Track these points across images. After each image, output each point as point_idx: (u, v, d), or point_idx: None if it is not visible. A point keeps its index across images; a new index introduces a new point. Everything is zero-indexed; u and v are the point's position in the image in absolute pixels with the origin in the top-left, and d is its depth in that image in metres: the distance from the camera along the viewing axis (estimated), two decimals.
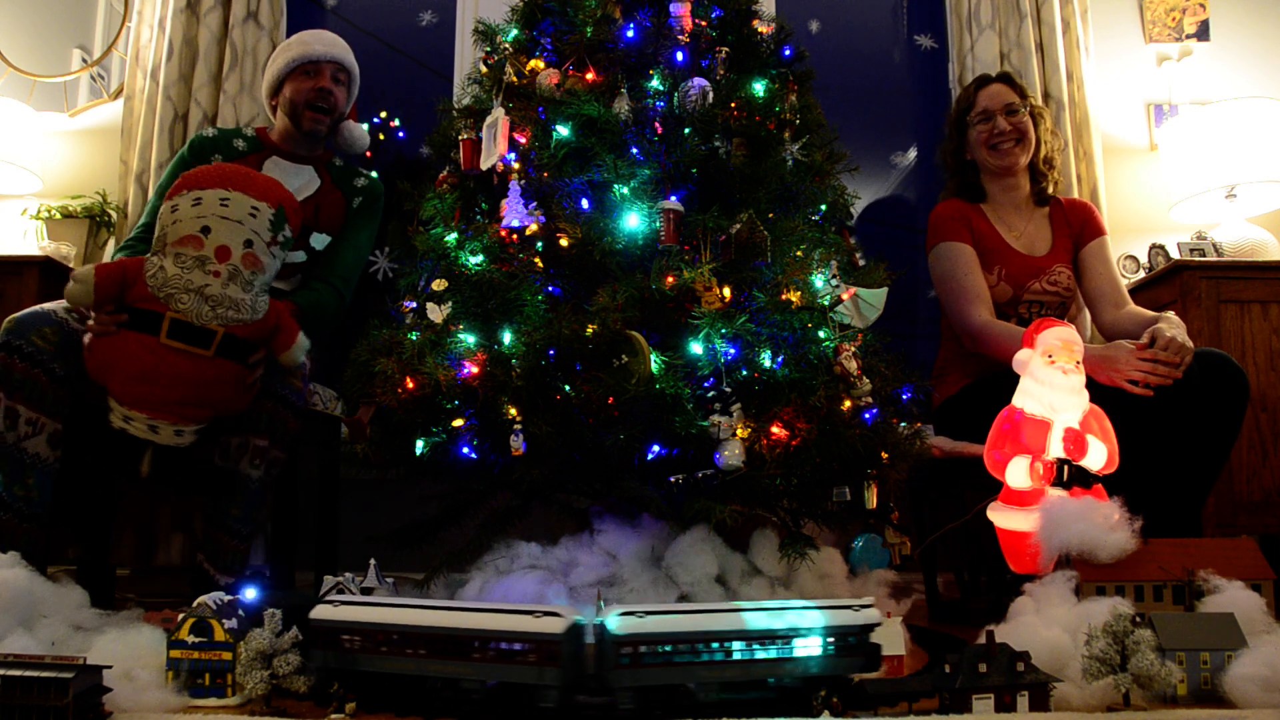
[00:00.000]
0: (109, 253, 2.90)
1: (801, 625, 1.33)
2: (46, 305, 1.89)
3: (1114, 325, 2.36)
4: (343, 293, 2.33)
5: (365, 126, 2.52)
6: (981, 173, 2.51)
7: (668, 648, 1.30)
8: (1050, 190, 2.53)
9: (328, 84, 2.35)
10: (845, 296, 1.77)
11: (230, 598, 1.48)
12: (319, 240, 2.34)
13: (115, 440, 1.84)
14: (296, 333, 1.90)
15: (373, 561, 1.83)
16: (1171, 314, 2.18)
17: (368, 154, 2.68)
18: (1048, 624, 1.47)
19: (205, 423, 1.85)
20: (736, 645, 1.32)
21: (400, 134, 3.10)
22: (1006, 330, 2.24)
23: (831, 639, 1.34)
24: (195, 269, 1.76)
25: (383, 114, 3.11)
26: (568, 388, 1.68)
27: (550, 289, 1.80)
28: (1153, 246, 2.88)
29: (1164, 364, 1.99)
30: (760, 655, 1.32)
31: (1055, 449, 1.75)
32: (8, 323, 1.89)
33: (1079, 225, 2.49)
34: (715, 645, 1.31)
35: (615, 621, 1.30)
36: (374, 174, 2.49)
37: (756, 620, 1.34)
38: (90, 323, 1.81)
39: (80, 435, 1.91)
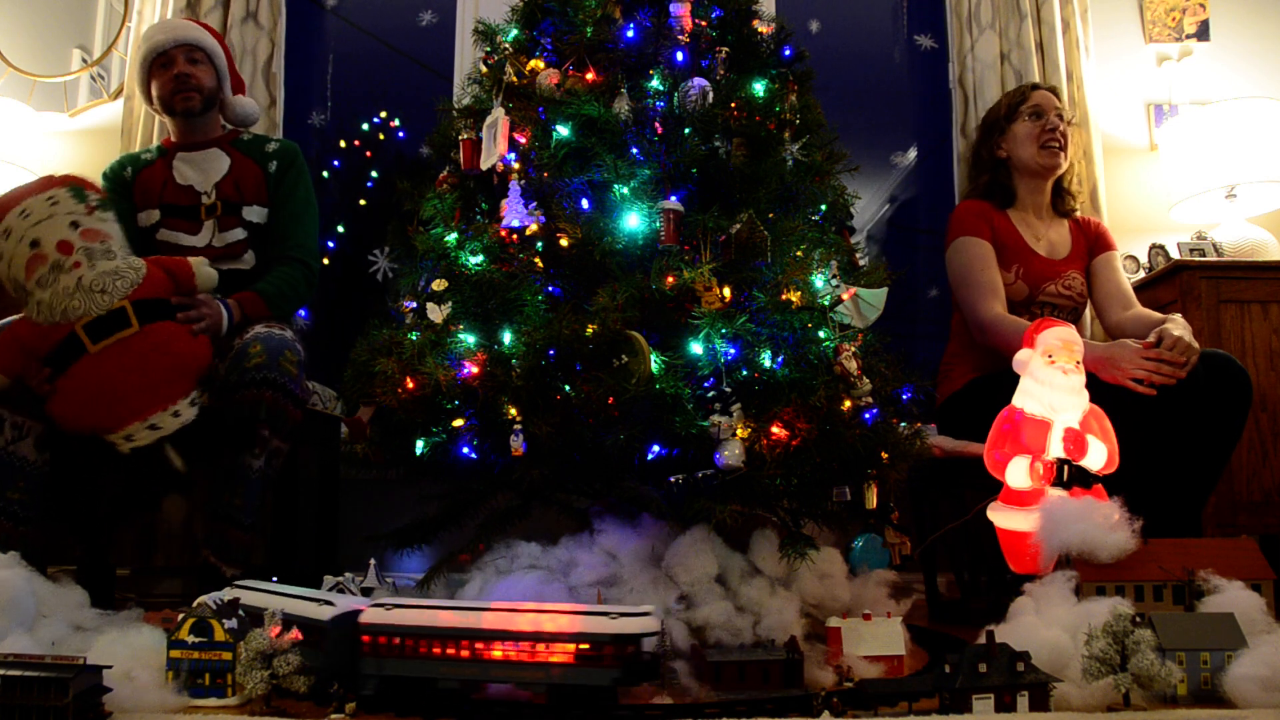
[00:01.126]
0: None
1: (547, 630, 1.31)
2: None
3: (1120, 325, 2.38)
4: (308, 262, 2.32)
5: (254, 101, 2.51)
6: (1015, 171, 2.52)
7: (410, 641, 1.34)
8: (1069, 209, 2.58)
9: (183, 68, 2.34)
10: (845, 296, 1.77)
11: (230, 598, 1.48)
12: (253, 212, 2.32)
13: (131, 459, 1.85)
14: (186, 263, 1.94)
15: (372, 561, 1.84)
16: (1178, 316, 2.19)
17: (368, 154, 2.68)
18: (1048, 624, 1.47)
19: (189, 392, 1.84)
20: (479, 645, 1.33)
21: (400, 134, 3.11)
22: (1016, 325, 2.24)
23: (586, 646, 1.29)
24: (59, 276, 1.78)
25: (383, 114, 3.11)
26: (568, 388, 1.68)
27: (550, 289, 1.80)
28: (1153, 246, 2.87)
29: (1169, 363, 1.99)
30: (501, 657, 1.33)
31: (1055, 449, 1.75)
32: None
33: (1093, 238, 2.55)
34: (461, 643, 1.34)
35: (367, 613, 1.37)
36: (285, 140, 2.49)
37: (496, 621, 1.34)
38: (32, 389, 1.80)
39: (70, 440, 1.90)
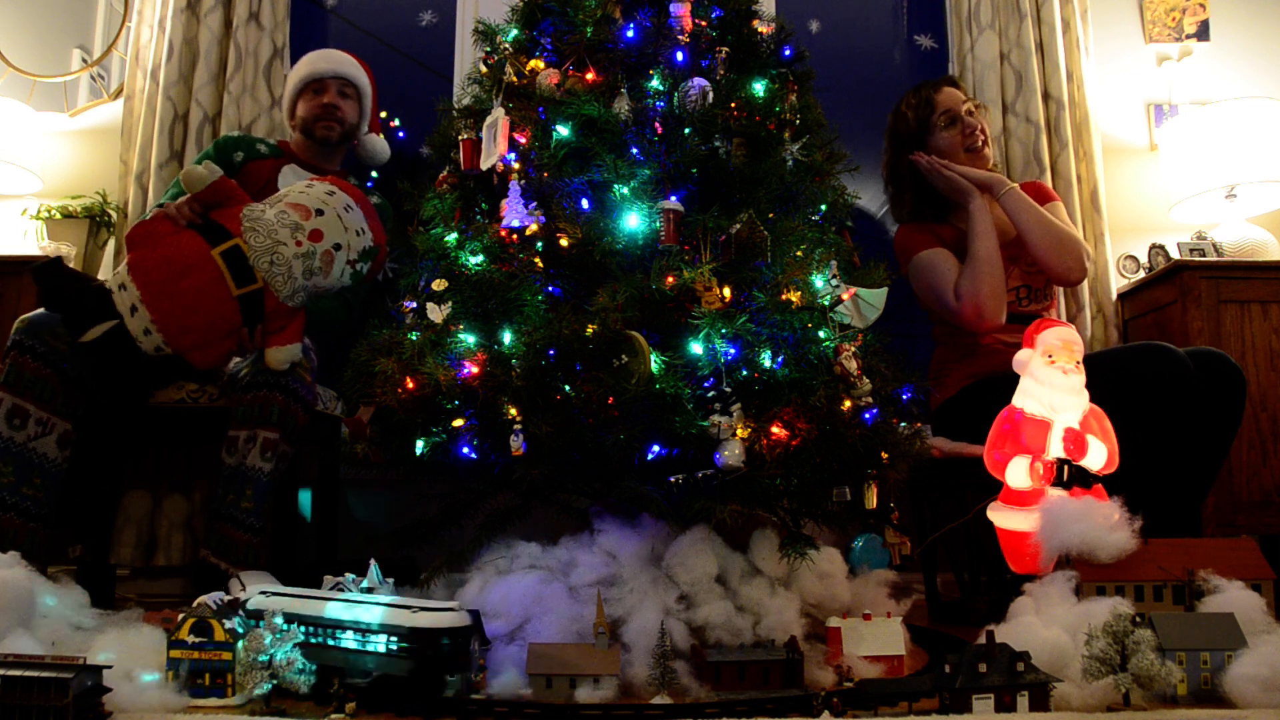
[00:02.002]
0: (110, 253, 2.90)
1: (364, 621, 1.41)
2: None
3: None
4: (351, 304, 2.38)
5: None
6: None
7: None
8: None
9: (333, 99, 2.48)
10: (845, 296, 1.77)
11: (230, 598, 1.48)
12: None
13: (122, 440, 1.85)
14: (296, 340, 1.97)
15: (373, 561, 1.83)
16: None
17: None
18: (1048, 624, 1.48)
19: (184, 348, 1.87)
20: (314, 629, 1.45)
21: (400, 134, 3.10)
22: (964, 275, 2.28)
23: (393, 638, 1.38)
24: (287, 229, 1.90)
25: (383, 114, 3.11)
26: (568, 388, 1.67)
27: (550, 289, 1.80)
28: (1153, 246, 2.88)
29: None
30: (332, 644, 1.43)
31: (1055, 449, 1.75)
32: (20, 322, 1.90)
33: (1035, 197, 2.43)
34: (306, 629, 1.45)
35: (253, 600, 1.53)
36: (385, 199, 2.54)
37: (340, 611, 1.44)
38: (172, 205, 1.89)
39: (89, 436, 1.91)
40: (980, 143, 2.43)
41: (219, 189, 1.92)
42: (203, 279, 1.84)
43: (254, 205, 1.94)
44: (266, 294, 1.89)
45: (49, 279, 1.92)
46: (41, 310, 1.92)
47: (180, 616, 1.43)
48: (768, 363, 1.67)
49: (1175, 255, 2.77)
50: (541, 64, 2.01)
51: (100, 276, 2.87)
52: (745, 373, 1.66)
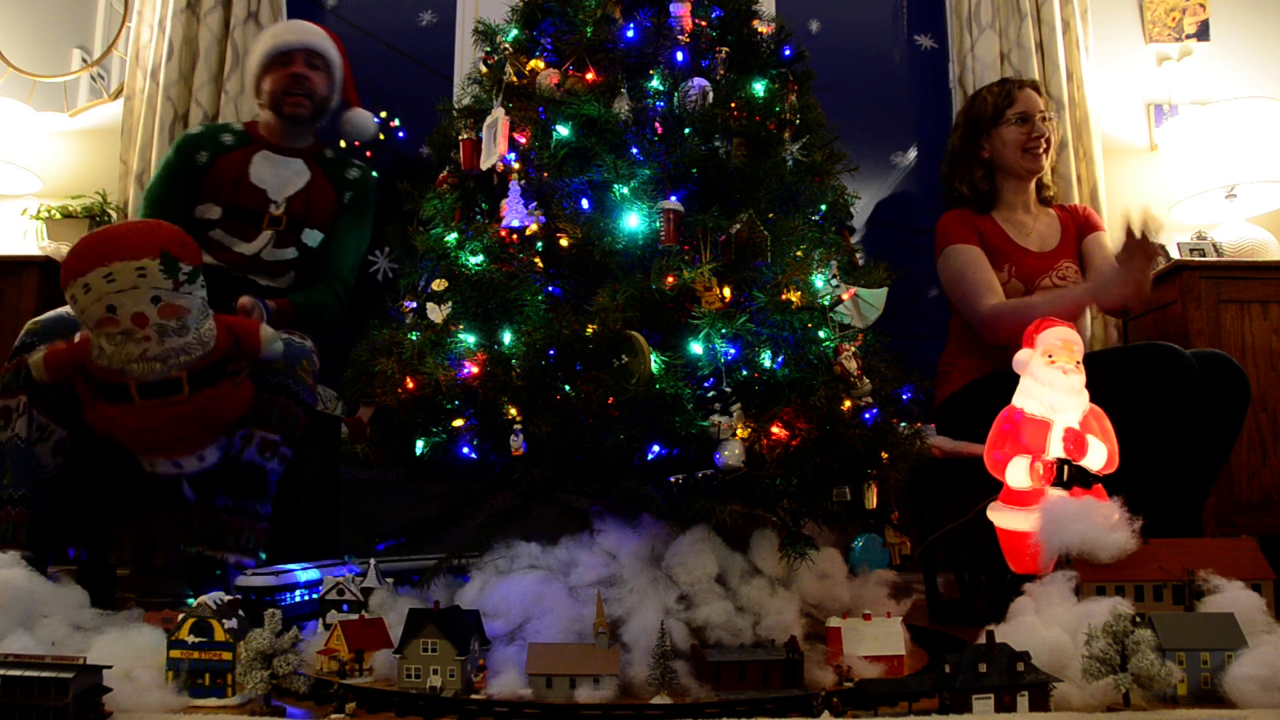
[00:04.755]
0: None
1: None
2: (69, 310, 1.90)
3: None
4: (340, 295, 2.35)
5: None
6: (998, 172, 2.53)
7: None
8: (1048, 197, 2.61)
9: (301, 69, 2.37)
10: (845, 296, 1.77)
11: (230, 598, 1.48)
12: (311, 236, 2.34)
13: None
14: (256, 329, 1.89)
15: (373, 561, 1.83)
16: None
17: (368, 154, 2.69)
18: (1048, 624, 1.48)
19: (219, 439, 1.87)
20: None
21: (400, 134, 3.10)
22: (1016, 308, 2.28)
23: None
24: (126, 342, 1.74)
25: (383, 114, 3.10)
26: (568, 388, 1.67)
27: (550, 289, 1.80)
28: None
29: (1144, 244, 2.06)
30: None
31: (1055, 449, 1.75)
32: (31, 325, 1.90)
33: (1081, 221, 2.56)
34: None
35: None
36: (367, 167, 2.50)
37: None
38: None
39: (89, 441, 1.91)
40: (1042, 149, 2.48)
41: (57, 371, 1.79)
42: (164, 420, 1.78)
43: (91, 346, 1.77)
44: (196, 366, 1.78)
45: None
46: (52, 313, 1.92)
47: (180, 616, 1.43)
48: (768, 363, 1.67)
49: (1175, 255, 2.77)
50: (541, 64, 2.01)
51: None
52: (745, 373, 1.66)
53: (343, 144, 2.57)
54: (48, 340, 1.86)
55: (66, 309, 1.90)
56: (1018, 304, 2.28)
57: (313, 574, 1.93)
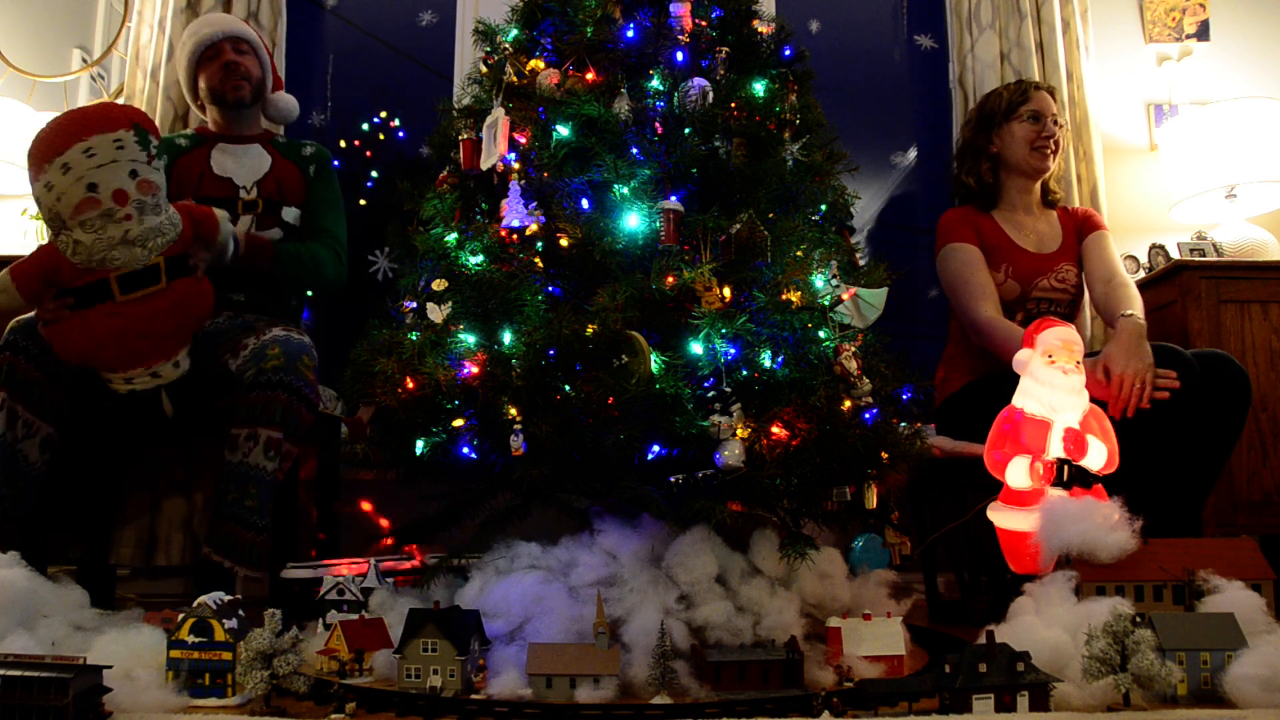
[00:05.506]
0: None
1: None
2: None
3: (1099, 301, 2.42)
4: (338, 252, 2.36)
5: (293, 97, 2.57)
6: (1003, 168, 2.53)
7: None
8: (1054, 200, 2.61)
9: (231, 57, 2.39)
10: (845, 296, 1.77)
11: (230, 598, 1.48)
12: (290, 213, 2.35)
13: (118, 420, 1.85)
14: (211, 214, 1.92)
15: (373, 561, 1.83)
16: (1125, 321, 2.13)
17: (368, 154, 2.69)
18: (1048, 624, 1.48)
19: (188, 344, 1.90)
20: None
21: (400, 134, 3.11)
22: (1007, 329, 2.27)
23: None
24: (106, 224, 1.76)
25: (383, 114, 3.11)
26: (568, 388, 1.67)
27: (550, 289, 1.80)
28: (1153, 246, 2.87)
29: (1131, 399, 1.96)
30: None
31: (1055, 449, 1.75)
32: (15, 323, 1.90)
33: (1081, 222, 2.56)
34: None
35: None
36: (318, 142, 2.52)
37: None
38: (40, 316, 1.83)
39: (80, 433, 1.91)
40: (1050, 149, 2.49)
41: (27, 284, 1.79)
42: (142, 317, 1.81)
43: (61, 244, 1.79)
44: (170, 252, 1.81)
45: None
46: (34, 313, 1.92)
47: (180, 616, 1.43)
48: (768, 363, 1.67)
49: (1175, 255, 2.77)
50: (541, 64, 2.01)
51: None
52: (745, 373, 1.66)
53: (281, 130, 2.58)
54: (32, 339, 1.86)
55: None
56: (1012, 331, 2.25)
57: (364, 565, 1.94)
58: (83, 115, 1.81)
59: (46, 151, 1.75)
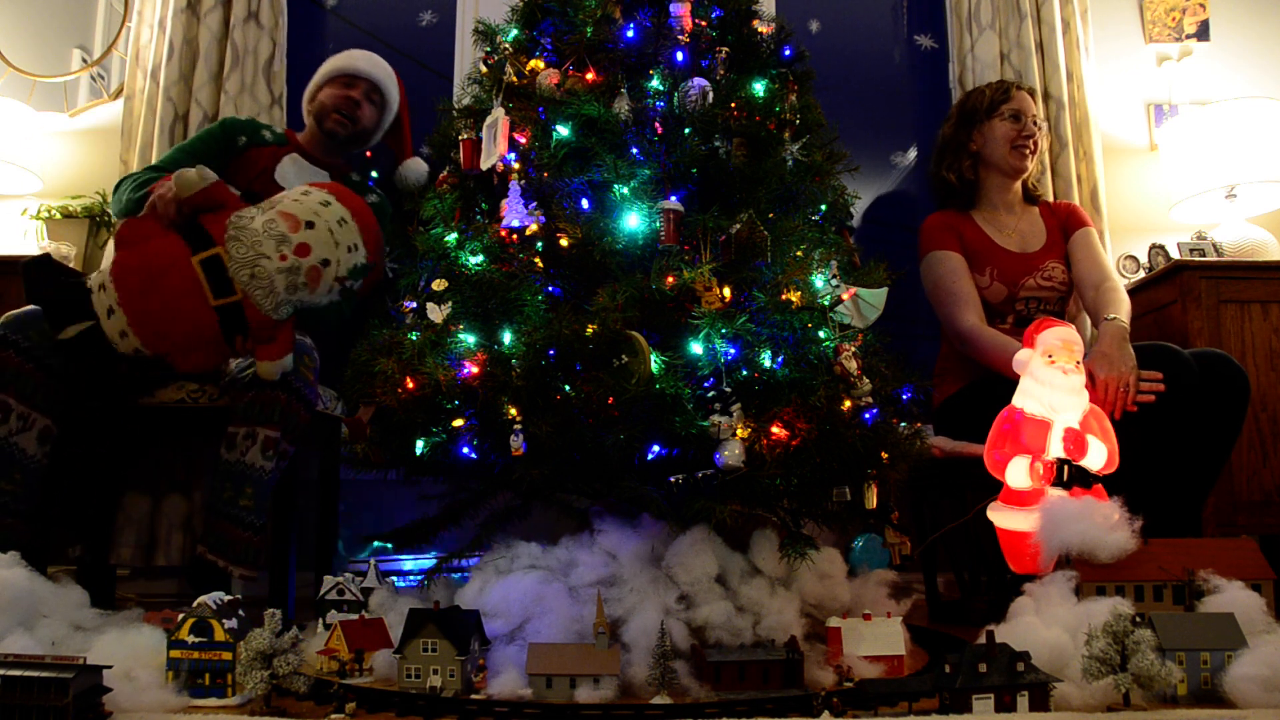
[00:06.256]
0: (109, 253, 2.90)
1: None
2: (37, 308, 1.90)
3: (1089, 306, 2.42)
4: (343, 310, 2.35)
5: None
6: (983, 166, 2.54)
7: None
8: (1035, 196, 2.61)
9: (358, 96, 2.48)
10: (845, 296, 1.77)
11: (230, 597, 1.48)
12: None
13: (115, 431, 1.84)
14: (287, 351, 1.92)
15: (373, 561, 1.83)
16: (1107, 325, 2.15)
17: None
18: (1048, 624, 1.48)
19: (162, 352, 1.88)
20: None
21: None
22: (992, 337, 2.28)
23: None
24: (272, 241, 1.83)
25: None
26: (568, 388, 1.67)
27: (550, 289, 1.80)
28: (1153, 246, 2.87)
29: (1116, 403, 1.97)
30: None
31: (1055, 449, 1.75)
32: (6, 317, 1.90)
33: (1064, 218, 2.56)
34: None
35: None
36: (385, 197, 2.55)
37: None
38: (159, 198, 1.87)
39: (78, 432, 1.91)
40: (1029, 148, 2.50)
41: (210, 194, 1.87)
42: (179, 286, 1.80)
43: (243, 212, 1.88)
44: (247, 305, 1.83)
45: (35, 274, 1.92)
46: (28, 306, 1.92)
47: (180, 616, 1.43)
48: (768, 363, 1.67)
49: (1175, 255, 2.77)
50: (541, 64, 2.01)
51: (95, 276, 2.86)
52: (745, 373, 1.66)
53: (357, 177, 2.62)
54: (22, 333, 1.86)
55: (36, 308, 1.90)
56: (996, 339, 2.26)
57: (425, 562, 1.94)
58: (369, 221, 1.96)
59: (338, 194, 1.95)
